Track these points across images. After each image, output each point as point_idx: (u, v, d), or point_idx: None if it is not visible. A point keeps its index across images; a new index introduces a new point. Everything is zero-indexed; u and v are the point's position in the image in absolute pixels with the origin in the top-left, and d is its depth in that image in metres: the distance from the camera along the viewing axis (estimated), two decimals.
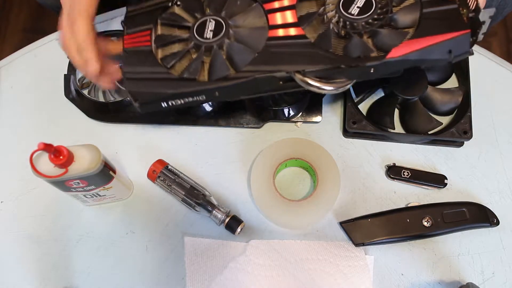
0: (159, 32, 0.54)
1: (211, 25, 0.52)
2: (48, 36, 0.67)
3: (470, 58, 0.58)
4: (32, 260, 0.55)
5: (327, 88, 0.49)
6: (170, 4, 0.55)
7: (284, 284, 0.53)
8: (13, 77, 0.64)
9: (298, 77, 0.48)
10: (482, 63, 0.64)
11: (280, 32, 0.50)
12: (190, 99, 0.50)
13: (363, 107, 0.62)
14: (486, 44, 1.35)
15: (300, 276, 0.53)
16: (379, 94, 0.62)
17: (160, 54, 0.52)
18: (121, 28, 0.64)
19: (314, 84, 0.48)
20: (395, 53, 0.46)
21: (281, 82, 0.49)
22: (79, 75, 0.62)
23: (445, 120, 0.60)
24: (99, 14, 0.67)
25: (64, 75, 0.62)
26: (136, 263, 0.55)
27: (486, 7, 0.48)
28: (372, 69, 0.47)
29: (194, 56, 0.52)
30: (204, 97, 0.50)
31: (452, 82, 0.62)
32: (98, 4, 0.51)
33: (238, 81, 0.49)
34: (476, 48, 0.64)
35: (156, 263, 0.55)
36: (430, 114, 0.59)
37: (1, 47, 1.38)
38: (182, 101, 0.50)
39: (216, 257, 0.54)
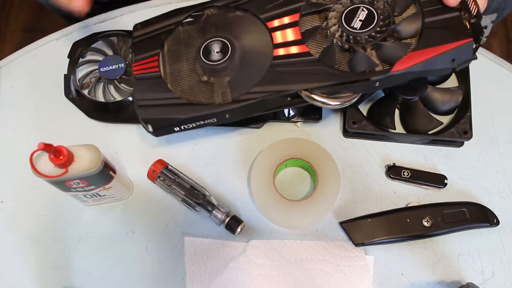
0: (165, 52, 0.54)
1: (217, 47, 0.52)
2: (48, 36, 0.67)
3: None
4: (32, 260, 0.55)
5: (333, 103, 0.50)
6: (173, 27, 0.55)
7: (284, 284, 0.53)
8: (13, 77, 0.64)
9: (304, 94, 0.49)
10: (482, 63, 0.64)
11: (285, 51, 0.51)
12: (202, 122, 0.51)
13: (363, 107, 0.62)
14: (486, 44, 1.34)
15: (300, 276, 0.53)
16: (379, 94, 0.62)
17: (169, 78, 0.53)
18: (122, 28, 0.64)
19: (321, 100, 0.49)
20: (400, 66, 0.47)
21: (289, 99, 0.50)
22: (79, 75, 0.62)
23: (445, 119, 0.60)
24: (100, 14, 0.67)
25: (64, 75, 0.62)
26: (136, 263, 0.55)
27: (486, 8, 0.48)
28: (378, 83, 0.48)
29: (204, 79, 0.52)
30: (215, 120, 0.51)
31: (452, 82, 0.62)
32: None
33: (247, 102, 0.49)
34: None
35: (156, 263, 0.55)
36: (431, 114, 0.59)
37: (1, 47, 1.39)
38: (194, 125, 0.52)
39: (216, 257, 0.54)
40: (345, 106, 0.50)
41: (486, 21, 0.46)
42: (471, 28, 0.47)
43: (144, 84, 0.52)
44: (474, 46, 0.47)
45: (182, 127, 0.51)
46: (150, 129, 0.51)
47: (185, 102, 0.51)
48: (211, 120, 0.51)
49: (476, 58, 0.48)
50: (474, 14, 0.47)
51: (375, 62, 0.48)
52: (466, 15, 0.48)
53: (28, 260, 0.55)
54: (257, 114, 0.52)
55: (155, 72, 0.52)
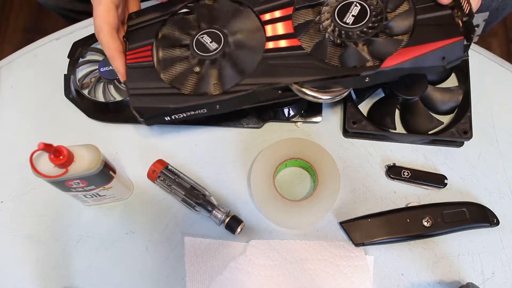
0: (159, 42, 0.54)
1: (210, 38, 0.53)
2: (48, 36, 0.67)
3: (470, 57, 0.58)
4: (32, 260, 0.55)
5: (324, 97, 0.50)
6: (167, 17, 0.55)
7: (284, 284, 0.53)
8: (13, 77, 0.64)
9: (295, 87, 0.49)
10: (482, 63, 0.64)
11: (277, 44, 0.51)
12: (192, 112, 0.51)
13: (364, 107, 0.62)
14: (486, 44, 1.35)
15: (300, 276, 0.53)
16: (380, 94, 0.62)
17: (161, 68, 0.53)
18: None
19: (311, 94, 0.49)
20: (390, 63, 0.47)
21: (279, 92, 0.50)
22: (79, 75, 0.62)
23: (445, 119, 0.60)
24: None
25: (64, 75, 0.62)
26: (136, 263, 0.55)
27: (485, 8, 0.48)
28: (367, 78, 0.48)
29: (196, 70, 0.52)
30: (206, 110, 0.51)
31: (452, 81, 0.62)
32: (117, 12, 0.52)
33: (238, 94, 0.50)
34: (476, 48, 0.64)
35: (156, 263, 0.55)
36: (431, 113, 0.59)
37: (1, 47, 1.38)
38: (185, 115, 0.52)
39: (216, 257, 0.54)
40: (335, 100, 0.51)
41: (478, 20, 0.46)
42: (463, 26, 0.47)
43: (136, 73, 0.52)
44: (465, 44, 0.47)
45: (173, 117, 0.52)
46: (141, 117, 0.52)
47: (176, 92, 0.51)
48: (201, 111, 0.51)
49: (467, 56, 0.48)
50: (467, 12, 0.47)
51: (366, 58, 0.48)
52: (459, 13, 0.48)
53: (28, 260, 0.55)
54: (248, 106, 0.52)
55: (148, 61, 0.53)
